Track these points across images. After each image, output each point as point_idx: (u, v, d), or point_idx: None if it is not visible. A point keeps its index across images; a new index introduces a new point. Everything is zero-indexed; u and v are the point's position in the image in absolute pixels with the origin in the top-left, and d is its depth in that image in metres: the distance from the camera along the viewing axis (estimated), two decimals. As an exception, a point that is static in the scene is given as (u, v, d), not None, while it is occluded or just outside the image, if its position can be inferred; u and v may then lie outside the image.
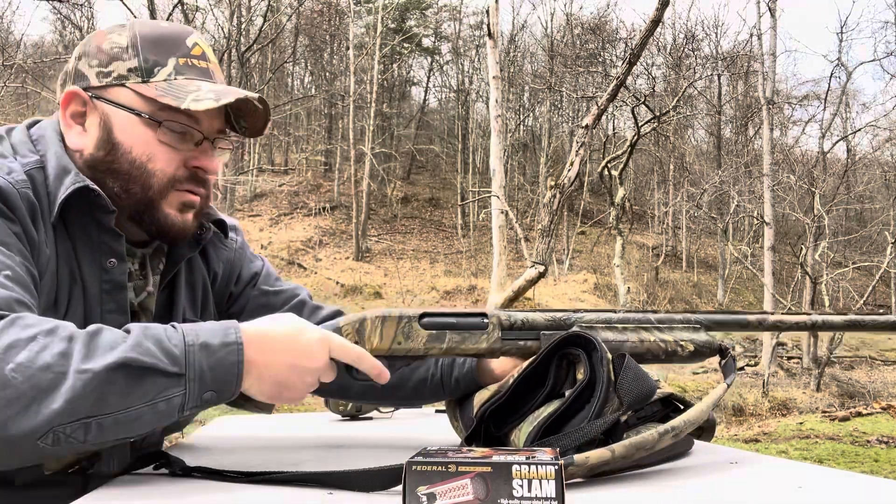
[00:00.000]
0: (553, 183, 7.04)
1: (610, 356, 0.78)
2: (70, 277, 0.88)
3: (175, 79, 0.91)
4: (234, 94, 0.91)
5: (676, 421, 0.74)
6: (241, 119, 1.01)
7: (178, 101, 0.88)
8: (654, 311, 0.92)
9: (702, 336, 0.92)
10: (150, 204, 0.92)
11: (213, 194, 1.01)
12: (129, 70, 0.91)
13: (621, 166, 13.29)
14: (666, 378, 14.10)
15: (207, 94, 0.89)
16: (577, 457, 0.66)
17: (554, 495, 0.55)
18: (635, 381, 0.78)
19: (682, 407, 0.83)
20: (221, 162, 1.00)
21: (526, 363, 0.84)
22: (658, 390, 0.82)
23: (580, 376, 0.79)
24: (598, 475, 0.69)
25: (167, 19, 15.96)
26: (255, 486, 0.68)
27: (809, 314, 0.98)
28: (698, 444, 0.89)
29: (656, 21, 6.73)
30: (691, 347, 0.91)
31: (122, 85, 0.91)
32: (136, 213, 0.93)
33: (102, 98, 0.91)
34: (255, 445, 0.87)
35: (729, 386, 0.85)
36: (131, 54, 0.91)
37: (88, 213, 0.90)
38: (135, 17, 16.89)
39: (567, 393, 0.79)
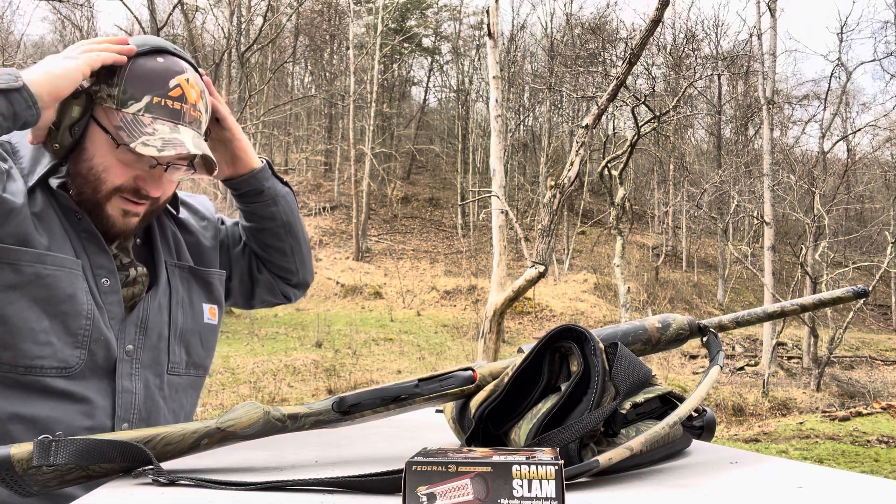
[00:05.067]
0: (553, 183, 7.05)
1: (602, 346, 0.78)
2: (46, 218, 1.06)
3: (143, 115, 1.04)
4: (177, 148, 1.03)
5: (679, 411, 0.75)
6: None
7: (131, 139, 1.02)
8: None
9: (679, 319, 0.94)
10: (97, 205, 1.08)
11: (160, 206, 1.17)
12: (109, 96, 1.05)
13: (621, 166, 13.29)
14: (666, 378, 14.10)
15: (156, 142, 1.02)
16: (601, 458, 0.66)
17: (554, 495, 0.55)
18: (629, 368, 0.78)
19: (679, 405, 0.83)
20: (171, 183, 1.14)
21: (520, 360, 0.84)
22: (657, 387, 0.82)
23: (574, 368, 0.79)
24: (601, 473, 0.69)
25: (167, 19, 15.99)
26: (248, 493, 0.67)
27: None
28: (698, 444, 0.89)
29: (656, 21, 6.73)
30: (672, 331, 0.93)
31: (101, 105, 1.05)
32: (86, 211, 1.09)
33: (90, 113, 1.06)
34: (254, 445, 0.87)
35: (721, 367, 0.86)
36: (115, 82, 1.05)
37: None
38: (135, 17, 16.89)
39: (563, 387, 0.79)
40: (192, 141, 1.06)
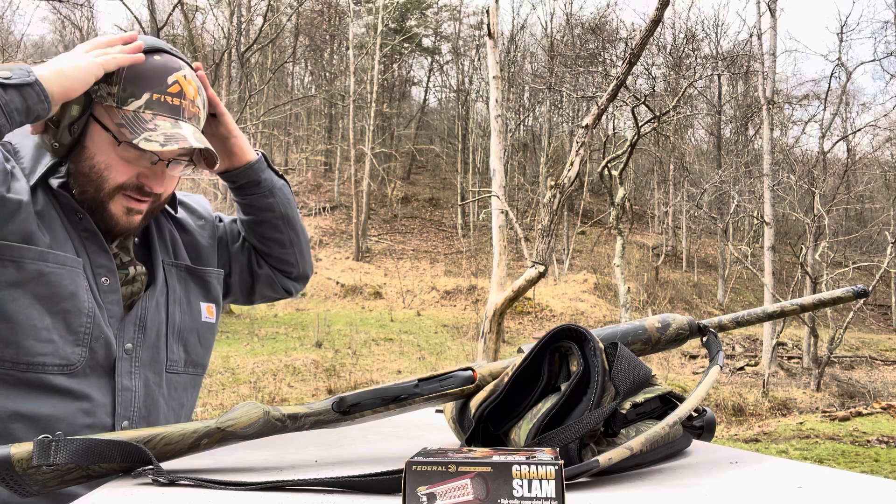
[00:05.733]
0: (553, 183, 7.05)
1: (602, 346, 0.78)
2: (48, 217, 1.06)
3: (143, 112, 1.05)
4: (180, 142, 1.03)
5: (679, 411, 0.75)
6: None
7: (134, 135, 1.02)
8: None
9: (679, 319, 0.94)
10: (100, 203, 1.09)
11: (164, 201, 1.17)
12: (108, 94, 1.05)
13: (621, 166, 13.30)
14: (666, 378, 14.10)
15: (158, 137, 1.02)
16: (601, 458, 0.66)
17: (554, 495, 0.55)
18: (629, 368, 0.78)
19: (679, 405, 0.83)
20: (173, 179, 1.15)
21: (520, 360, 0.84)
22: (657, 387, 0.82)
23: (574, 368, 0.79)
24: (601, 473, 0.69)
25: (167, 19, 15.99)
26: (248, 493, 0.66)
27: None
28: (698, 444, 0.89)
29: (656, 21, 6.73)
30: (672, 331, 0.93)
31: (100, 104, 1.05)
32: (88, 210, 1.09)
33: (89, 111, 1.07)
34: (254, 445, 0.87)
35: (721, 367, 0.86)
36: (115, 81, 1.05)
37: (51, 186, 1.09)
38: (135, 17, 16.89)
39: (563, 386, 0.79)
40: (193, 135, 1.06)
